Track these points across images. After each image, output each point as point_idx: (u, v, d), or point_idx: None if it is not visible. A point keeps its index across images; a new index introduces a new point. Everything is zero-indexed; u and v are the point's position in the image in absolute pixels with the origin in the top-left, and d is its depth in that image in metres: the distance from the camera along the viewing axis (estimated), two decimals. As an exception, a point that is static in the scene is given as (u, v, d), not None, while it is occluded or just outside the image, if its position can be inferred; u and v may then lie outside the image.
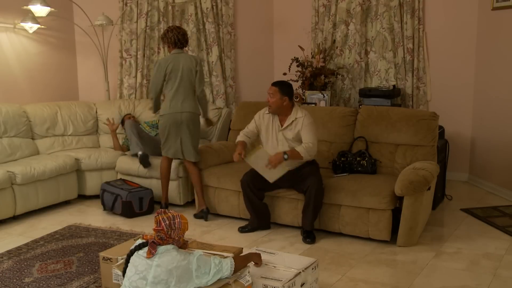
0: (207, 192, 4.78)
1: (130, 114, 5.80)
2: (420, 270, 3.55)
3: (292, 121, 4.15)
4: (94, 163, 5.34)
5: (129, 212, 4.78)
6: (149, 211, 4.88)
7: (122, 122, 5.72)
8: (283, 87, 4.16)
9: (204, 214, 4.70)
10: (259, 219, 4.40)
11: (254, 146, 4.32)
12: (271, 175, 4.12)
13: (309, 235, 4.15)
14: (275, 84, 4.20)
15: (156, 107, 4.79)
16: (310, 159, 4.18)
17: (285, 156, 4.02)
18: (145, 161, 5.00)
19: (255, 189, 4.30)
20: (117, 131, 5.71)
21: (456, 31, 5.70)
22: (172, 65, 4.56)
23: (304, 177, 4.14)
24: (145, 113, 5.84)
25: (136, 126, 5.37)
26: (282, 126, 4.19)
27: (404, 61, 5.82)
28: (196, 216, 4.74)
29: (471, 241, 4.05)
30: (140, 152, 5.02)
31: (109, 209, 4.92)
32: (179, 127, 4.59)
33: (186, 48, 6.22)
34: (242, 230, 4.40)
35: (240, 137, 4.35)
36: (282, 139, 4.18)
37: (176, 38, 4.61)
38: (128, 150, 5.53)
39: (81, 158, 5.31)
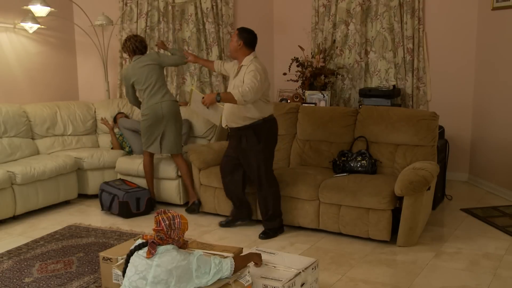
0: (207, 192, 4.79)
1: (122, 112, 5.81)
2: (420, 270, 3.55)
3: (240, 67, 4.12)
4: (96, 162, 5.35)
5: (125, 212, 4.78)
6: (146, 212, 4.87)
7: (115, 120, 5.76)
8: (242, 31, 4.13)
9: (196, 207, 4.76)
10: (238, 208, 4.47)
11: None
12: (213, 117, 4.16)
13: (265, 232, 4.26)
14: (239, 28, 4.19)
15: (138, 106, 5.04)
16: (243, 104, 3.93)
17: (218, 98, 3.93)
18: None
19: (234, 176, 4.37)
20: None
21: (456, 31, 5.70)
22: (135, 77, 4.76)
23: (244, 159, 4.19)
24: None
25: (127, 117, 5.74)
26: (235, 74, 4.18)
27: (404, 61, 5.82)
28: (189, 210, 4.78)
29: (471, 241, 4.05)
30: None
31: (107, 209, 4.93)
32: (161, 121, 4.75)
33: (186, 48, 6.24)
34: (222, 224, 4.49)
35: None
36: (233, 86, 4.12)
37: (134, 46, 4.79)
38: (122, 148, 5.57)
39: (83, 157, 5.32)
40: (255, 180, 4.22)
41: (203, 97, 4.02)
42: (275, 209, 4.23)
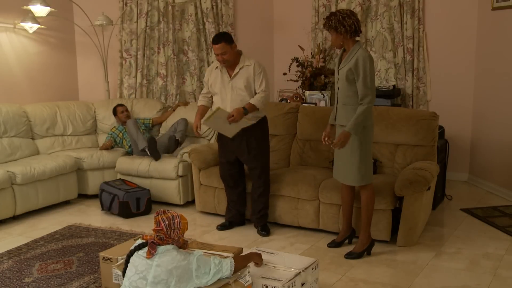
0: (207, 192, 4.78)
1: (123, 105, 5.76)
2: (420, 270, 3.55)
3: (240, 68, 4.09)
4: (96, 162, 5.35)
5: (125, 212, 4.77)
6: (146, 212, 4.87)
7: (114, 112, 5.73)
8: (226, 37, 4.01)
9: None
10: (239, 213, 4.50)
11: (210, 109, 4.31)
12: (231, 131, 4.08)
13: (264, 227, 4.32)
14: (219, 39, 3.97)
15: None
16: (264, 108, 4.13)
17: (245, 112, 3.99)
18: (154, 149, 5.06)
19: (233, 181, 4.42)
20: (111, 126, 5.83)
21: (456, 31, 5.70)
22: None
23: (249, 154, 4.18)
24: (142, 113, 5.84)
25: (136, 124, 5.39)
26: (230, 77, 4.12)
27: (404, 61, 5.82)
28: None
29: (471, 241, 4.05)
30: (147, 145, 5.10)
31: (107, 209, 4.93)
32: None
33: (186, 48, 6.24)
34: (219, 228, 4.49)
35: (200, 100, 4.35)
36: (231, 89, 4.10)
37: (357, 26, 3.50)
38: (113, 147, 5.56)
39: (83, 157, 5.32)
40: (256, 176, 4.26)
41: (232, 115, 3.94)
42: (268, 204, 4.36)
